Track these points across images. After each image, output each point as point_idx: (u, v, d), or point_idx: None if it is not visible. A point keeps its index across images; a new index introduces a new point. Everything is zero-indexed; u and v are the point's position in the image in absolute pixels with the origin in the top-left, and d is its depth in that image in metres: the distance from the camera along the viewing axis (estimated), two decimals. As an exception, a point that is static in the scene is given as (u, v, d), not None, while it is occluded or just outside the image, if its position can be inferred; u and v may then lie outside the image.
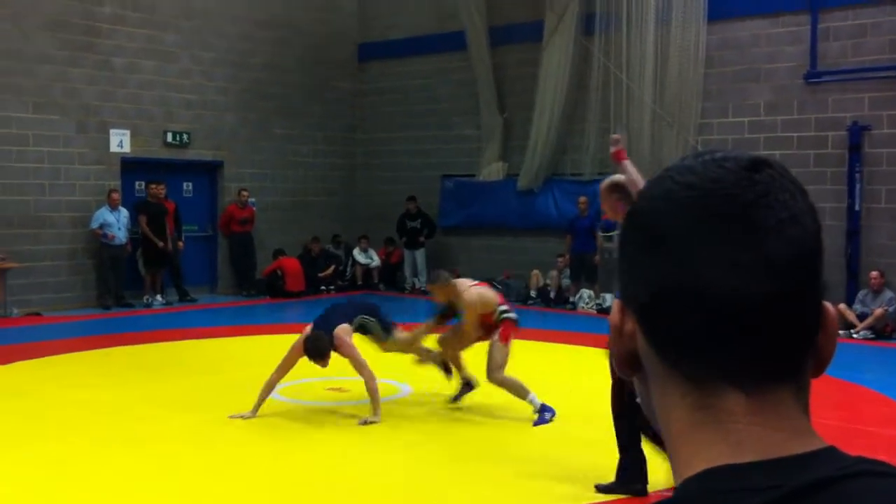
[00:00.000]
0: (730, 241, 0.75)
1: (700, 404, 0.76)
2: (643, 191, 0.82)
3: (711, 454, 0.75)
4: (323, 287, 16.29)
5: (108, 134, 14.54)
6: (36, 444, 6.60)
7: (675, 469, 0.77)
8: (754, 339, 0.75)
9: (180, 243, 15.00)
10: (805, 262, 0.77)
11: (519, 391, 7.21)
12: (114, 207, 14.05)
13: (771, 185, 0.77)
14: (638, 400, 0.85)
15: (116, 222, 14.03)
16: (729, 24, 13.76)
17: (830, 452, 0.75)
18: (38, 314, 13.26)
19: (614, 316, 0.82)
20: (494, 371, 7.15)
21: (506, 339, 7.20)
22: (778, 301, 0.75)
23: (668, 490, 5.10)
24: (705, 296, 0.74)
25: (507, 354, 7.19)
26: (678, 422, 0.78)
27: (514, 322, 7.33)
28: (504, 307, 7.38)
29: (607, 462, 5.73)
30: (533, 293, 15.06)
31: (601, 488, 5.54)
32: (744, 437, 0.75)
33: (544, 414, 7.10)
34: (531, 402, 7.14)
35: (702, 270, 0.75)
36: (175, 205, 15.02)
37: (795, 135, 13.09)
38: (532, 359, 10.08)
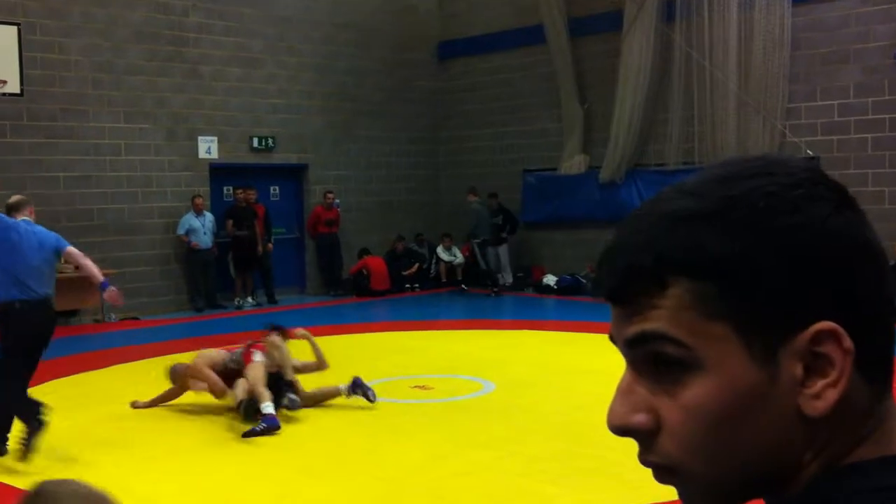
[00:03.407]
0: (879, 243, 0.76)
1: (877, 413, 0.75)
2: (803, 198, 0.74)
3: (877, 454, 0.74)
4: (407, 285, 16.43)
5: (196, 141, 14.91)
6: (135, 447, 6.82)
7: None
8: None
9: (269, 245, 15.31)
10: None
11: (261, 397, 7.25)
12: (198, 212, 14.40)
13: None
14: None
15: (202, 227, 14.38)
16: (815, 5, 13.39)
17: None
18: (134, 318, 13.68)
19: (850, 343, 0.72)
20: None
21: (246, 361, 7.48)
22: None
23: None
24: (889, 301, 0.75)
25: (253, 370, 7.37)
26: (858, 437, 0.74)
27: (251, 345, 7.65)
28: (232, 355, 7.66)
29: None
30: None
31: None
32: (894, 435, 0.74)
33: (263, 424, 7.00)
34: (265, 410, 7.08)
35: (889, 282, 0.75)
36: (265, 208, 15.35)
37: (887, 116, 12.66)
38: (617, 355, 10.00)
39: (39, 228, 6.67)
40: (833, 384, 0.71)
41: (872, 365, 0.74)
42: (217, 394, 7.51)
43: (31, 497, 2.07)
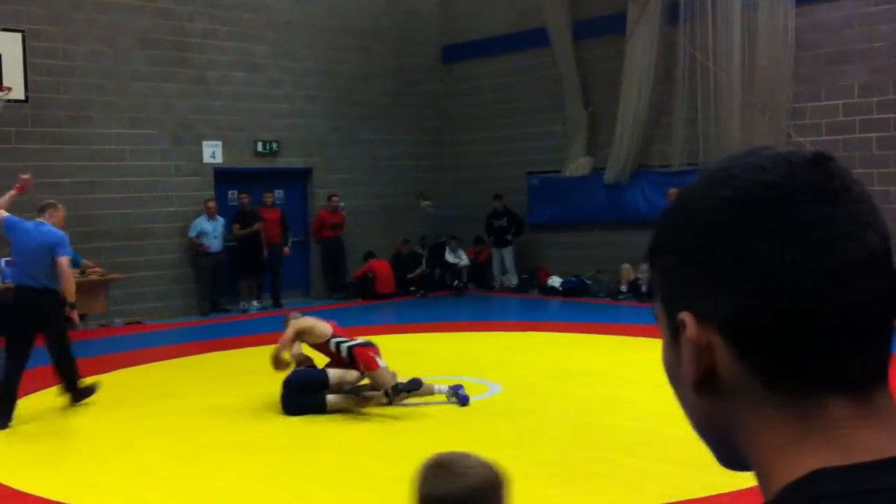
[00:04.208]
0: (831, 239, 0.70)
1: (802, 415, 0.71)
2: (700, 195, 0.75)
3: (819, 461, 0.69)
4: (412, 288, 16.43)
5: (201, 146, 14.94)
6: (138, 451, 6.83)
7: (772, 486, 0.72)
8: (861, 342, 0.71)
9: (286, 249, 15.38)
10: (891, 254, 0.73)
11: (424, 392, 7.54)
12: (211, 216, 14.45)
13: (846, 178, 0.73)
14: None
15: (213, 231, 14.43)
16: (819, 6, 13.37)
17: None
18: (139, 323, 13.70)
19: (693, 333, 0.74)
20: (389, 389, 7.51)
21: (372, 367, 7.57)
22: (880, 298, 0.72)
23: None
24: (814, 301, 0.70)
25: (385, 374, 7.55)
26: (775, 438, 0.72)
27: (366, 346, 7.72)
28: (341, 339, 7.73)
29: (692, 458, 5.63)
30: (624, 288, 14.90)
31: None
32: (853, 441, 0.70)
33: (458, 392, 7.56)
34: (440, 391, 7.55)
35: (806, 274, 0.70)
36: (281, 212, 15.40)
37: (892, 116, 12.63)
38: (624, 354, 9.98)
39: (45, 229, 7.70)
40: (692, 368, 0.75)
41: (790, 361, 0.71)
42: (274, 363, 7.70)
43: (433, 468, 2.16)
